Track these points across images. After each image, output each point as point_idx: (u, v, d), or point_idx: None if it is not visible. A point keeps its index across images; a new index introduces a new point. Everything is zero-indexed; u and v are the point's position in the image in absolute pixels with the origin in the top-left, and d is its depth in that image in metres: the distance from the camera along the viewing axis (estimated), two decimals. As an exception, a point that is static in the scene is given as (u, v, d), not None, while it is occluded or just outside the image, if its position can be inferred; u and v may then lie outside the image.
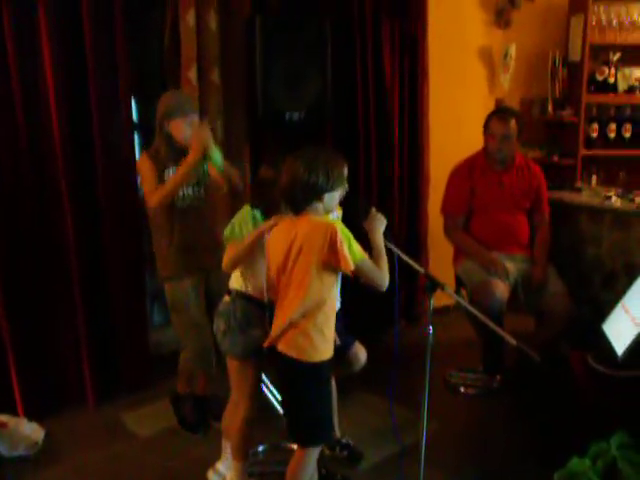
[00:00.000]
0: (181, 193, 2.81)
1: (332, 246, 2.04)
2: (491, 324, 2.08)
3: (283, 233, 2.18)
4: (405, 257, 2.22)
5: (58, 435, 3.05)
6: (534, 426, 3.06)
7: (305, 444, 2.28)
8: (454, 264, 3.61)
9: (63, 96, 3.02)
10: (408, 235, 4.38)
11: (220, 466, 2.67)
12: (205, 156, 2.73)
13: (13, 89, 2.92)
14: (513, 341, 2.03)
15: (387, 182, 4.22)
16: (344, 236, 2.08)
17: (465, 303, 2.25)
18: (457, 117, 4.39)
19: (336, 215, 2.34)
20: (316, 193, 2.11)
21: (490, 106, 4.42)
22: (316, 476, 2.44)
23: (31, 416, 3.09)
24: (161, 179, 2.78)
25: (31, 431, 2.98)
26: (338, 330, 2.61)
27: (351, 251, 2.07)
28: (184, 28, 3.32)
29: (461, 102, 4.41)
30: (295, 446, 2.36)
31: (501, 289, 3.23)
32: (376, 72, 4.01)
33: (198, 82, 3.41)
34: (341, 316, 2.64)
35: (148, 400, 3.36)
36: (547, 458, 2.36)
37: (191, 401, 3.09)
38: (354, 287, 2.26)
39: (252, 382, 2.48)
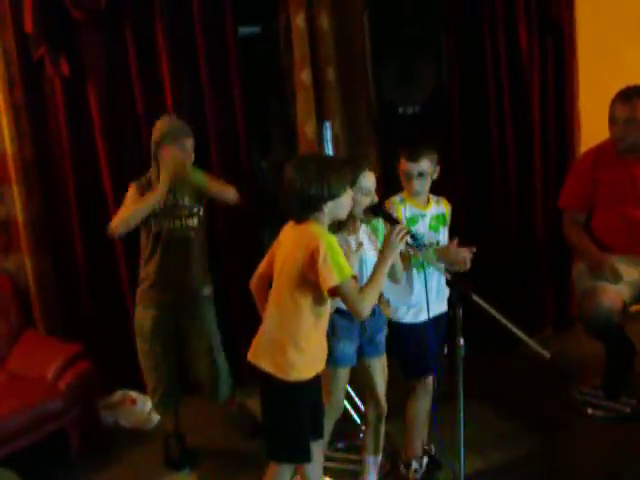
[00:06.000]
0: (166, 225, 2.74)
1: (312, 261, 1.90)
2: (516, 330, 1.79)
3: (285, 240, 2.08)
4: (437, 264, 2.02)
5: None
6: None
7: (272, 458, 2.16)
8: (572, 268, 3.18)
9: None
10: (555, 238, 3.96)
11: None
12: (178, 182, 2.69)
13: (137, 105, 3.27)
14: (547, 355, 1.74)
15: (528, 180, 3.87)
16: (332, 251, 1.90)
17: (494, 312, 1.85)
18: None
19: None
20: (313, 204, 1.95)
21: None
22: None
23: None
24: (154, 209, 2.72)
25: (152, 410, 3.28)
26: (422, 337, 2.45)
27: (338, 268, 1.88)
28: (295, 31, 3.39)
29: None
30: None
31: (611, 297, 2.77)
32: (510, 56, 3.70)
33: (313, 83, 3.46)
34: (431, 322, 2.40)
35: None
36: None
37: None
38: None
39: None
